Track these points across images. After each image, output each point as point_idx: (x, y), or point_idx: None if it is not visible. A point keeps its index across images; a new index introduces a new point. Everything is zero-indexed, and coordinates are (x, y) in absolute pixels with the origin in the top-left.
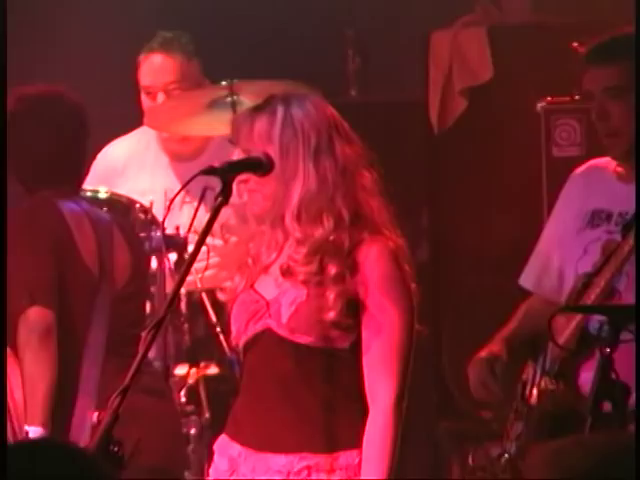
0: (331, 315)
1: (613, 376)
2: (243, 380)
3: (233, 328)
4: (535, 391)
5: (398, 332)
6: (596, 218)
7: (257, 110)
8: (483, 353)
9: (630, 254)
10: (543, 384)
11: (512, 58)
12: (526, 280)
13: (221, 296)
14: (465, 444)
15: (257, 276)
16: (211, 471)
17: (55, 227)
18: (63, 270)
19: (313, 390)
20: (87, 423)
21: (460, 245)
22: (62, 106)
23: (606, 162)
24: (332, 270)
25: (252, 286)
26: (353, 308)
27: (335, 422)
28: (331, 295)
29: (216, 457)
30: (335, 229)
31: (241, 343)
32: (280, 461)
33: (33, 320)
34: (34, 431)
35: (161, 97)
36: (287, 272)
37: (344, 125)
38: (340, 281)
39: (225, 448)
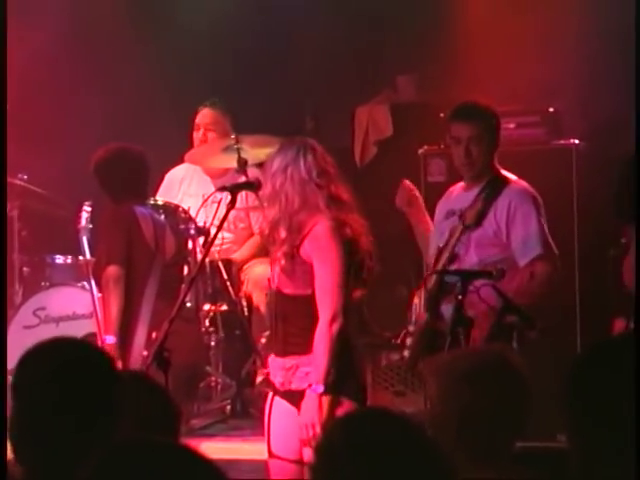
0: (282, 262)
1: (463, 312)
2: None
3: None
4: (416, 318)
5: (330, 277)
6: (448, 214)
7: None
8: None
9: (462, 233)
10: (422, 314)
11: (404, 122)
12: (426, 257)
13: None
14: (374, 352)
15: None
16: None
17: (129, 220)
18: (132, 246)
19: (292, 319)
20: (142, 338)
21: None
22: (132, 153)
23: (459, 184)
24: (282, 234)
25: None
26: (304, 267)
27: (305, 336)
28: (279, 252)
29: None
30: (284, 211)
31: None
32: (281, 362)
33: (109, 273)
34: (109, 338)
35: (202, 130)
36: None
37: (300, 165)
38: (285, 243)
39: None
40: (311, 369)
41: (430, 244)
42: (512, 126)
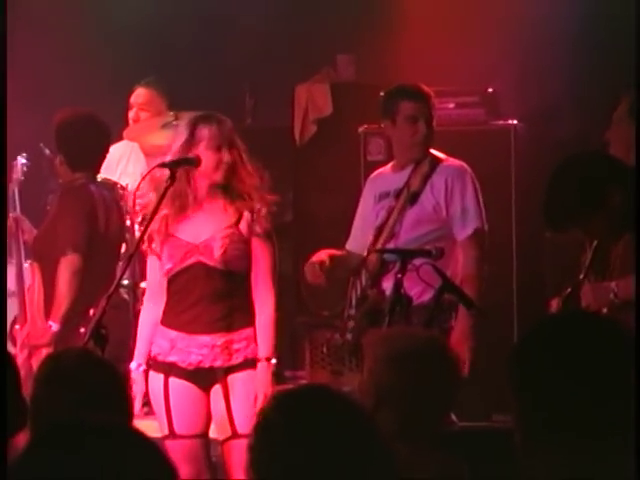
0: (227, 241)
1: (402, 291)
2: (175, 292)
3: (170, 262)
4: (357, 299)
5: (274, 257)
6: (381, 196)
7: None
8: (313, 259)
9: (401, 213)
10: (362, 293)
11: (343, 101)
12: (348, 245)
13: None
14: (312, 331)
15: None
16: (155, 348)
17: (88, 203)
18: (90, 229)
19: (224, 295)
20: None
21: (311, 212)
22: (95, 121)
23: (384, 168)
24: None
25: (173, 235)
26: (244, 246)
27: (237, 312)
28: (220, 234)
29: (158, 340)
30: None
31: (173, 271)
32: (207, 339)
33: (71, 262)
34: (54, 325)
35: (135, 109)
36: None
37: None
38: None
39: (164, 334)
40: (241, 345)
41: (357, 228)
42: (451, 106)
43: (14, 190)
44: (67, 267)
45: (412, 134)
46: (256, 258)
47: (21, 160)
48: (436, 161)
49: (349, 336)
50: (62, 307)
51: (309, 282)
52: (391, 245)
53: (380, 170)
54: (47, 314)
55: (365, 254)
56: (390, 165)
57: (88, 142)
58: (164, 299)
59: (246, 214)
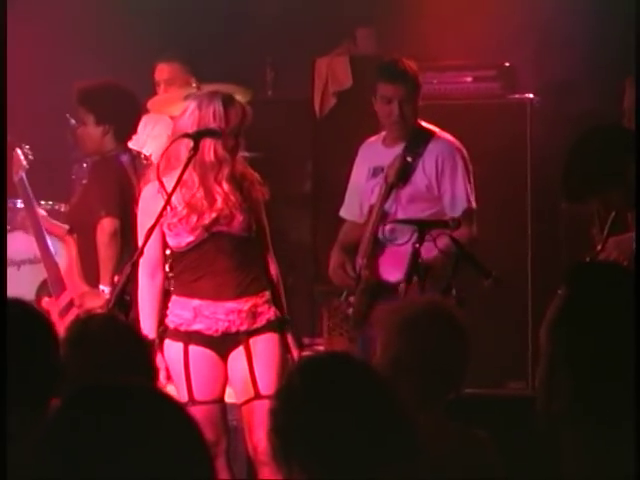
0: (240, 217)
1: (419, 260)
2: (193, 262)
3: (191, 235)
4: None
5: (268, 227)
6: (375, 171)
7: None
8: (333, 264)
9: (389, 193)
10: (359, 272)
11: (363, 74)
12: (342, 212)
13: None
14: (330, 299)
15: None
16: (174, 319)
17: (119, 171)
18: (125, 195)
19: (245, 261)
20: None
21: (329, 183)
22: (122, 89)
23: (376, 138)
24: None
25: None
26: (254, 212)
27: (256, 276)
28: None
29: (177, 311)
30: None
31: (193, 243)
32: (233, 305)
33: (107, 225)
34: (106, 289)
35: (163, 85)
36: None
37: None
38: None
39: (185, 304)
40: (264, 308)
41: (350, 196)
42: (469, 80)
43: (22, 175)
44: (104, 230)
45: (387, 114)
46: (261, 223)
47: (20, 153)
48: (428, 136)
49: (350, 311)
50: (109, 269)
51: (341, 285)
52: (386, 224)
53: (371, 140)
54: (87, 281)
55: (359, 222)
56: (381, 137)
57: (130, 111)
58: (163, 273)
59: (251, 183)
